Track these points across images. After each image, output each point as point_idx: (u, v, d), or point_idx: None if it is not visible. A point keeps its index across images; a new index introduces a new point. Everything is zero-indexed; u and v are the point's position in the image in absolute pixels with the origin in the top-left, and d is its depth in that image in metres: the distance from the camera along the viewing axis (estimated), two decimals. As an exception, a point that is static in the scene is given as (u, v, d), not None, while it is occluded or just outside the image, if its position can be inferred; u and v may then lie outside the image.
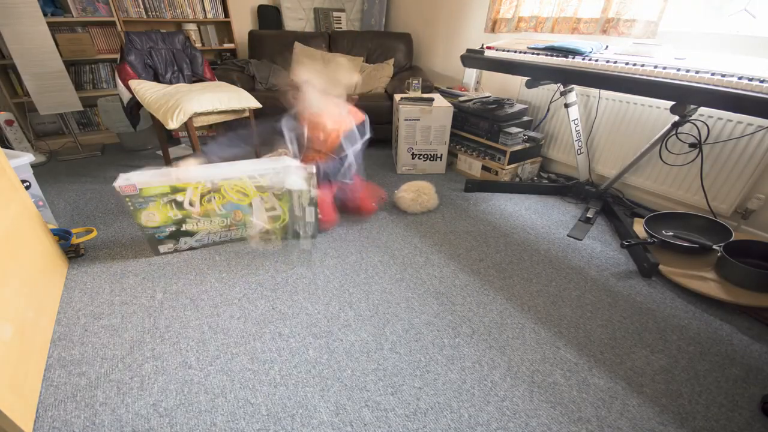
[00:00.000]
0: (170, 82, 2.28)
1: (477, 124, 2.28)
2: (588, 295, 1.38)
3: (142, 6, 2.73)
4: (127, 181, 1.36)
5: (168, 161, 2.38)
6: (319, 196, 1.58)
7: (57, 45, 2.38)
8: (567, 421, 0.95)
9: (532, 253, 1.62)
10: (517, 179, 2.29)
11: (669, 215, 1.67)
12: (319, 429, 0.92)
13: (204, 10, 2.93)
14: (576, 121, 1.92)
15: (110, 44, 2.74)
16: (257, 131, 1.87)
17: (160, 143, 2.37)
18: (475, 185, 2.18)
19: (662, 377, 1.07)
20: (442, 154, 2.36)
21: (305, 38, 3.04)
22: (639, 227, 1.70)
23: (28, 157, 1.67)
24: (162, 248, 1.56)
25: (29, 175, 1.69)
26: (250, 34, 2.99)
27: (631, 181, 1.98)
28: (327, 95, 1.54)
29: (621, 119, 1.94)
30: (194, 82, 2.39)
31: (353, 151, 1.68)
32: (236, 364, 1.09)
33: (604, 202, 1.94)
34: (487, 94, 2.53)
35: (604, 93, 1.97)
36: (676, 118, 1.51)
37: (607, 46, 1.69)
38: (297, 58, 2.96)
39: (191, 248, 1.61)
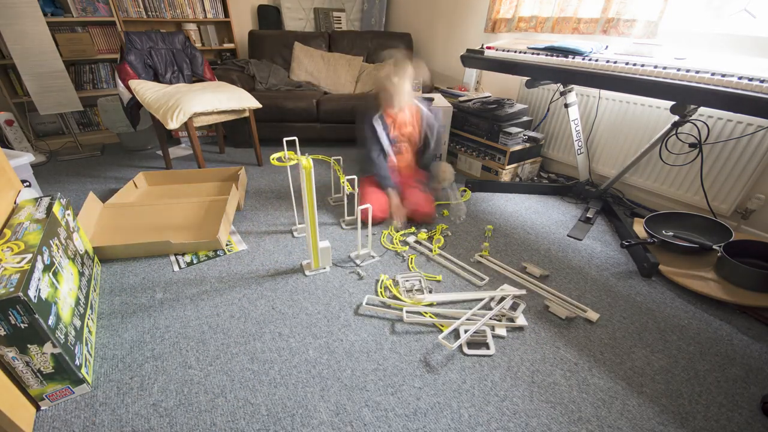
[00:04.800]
0: (170, 82, 2.29)
1: (477, 124, 2.28)
2: (588, 295, 1.38)
3: (142, 6, 2.73)
4: None
5: (168, 161, 2.38)
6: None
7: (57, 45, 2.38)
8: (567, 421, 0.95)
9: (532, 253, 1.62)
10: (517, 179, 2.29)
11: (669, 215, 1.67)
12: (319, 429, 0.92)
13: (204, 10, 2.93)
14: (576, 121, 1.92)
15: (110, 44, 2.74)
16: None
17: (160, 143, 2.37)
18: (475, 185, 2.18)
19: (662, 377, 1.07)
20: (441, 154, 2.36)
21: (305, 38, 3.04)
22: (639, 227, 1.70)
23: (28, 157, 1.67)
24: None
25: (29, 174, 1.70)
26: (250, 34, 2.99)
27: (631, 181, 1.98)
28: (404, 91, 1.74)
29: (621, 119, 1.94)
30: (194, 82, 2.40)
31: (436, 132, 1.87)
32: (236, 364, 1.09)
33: (604, 202, 1.94)
34: (487, 94, 2.53)
35: (604, 93, 1.97)
36: (676, 118, 1.51)
37: (607, 46, 1.69)
38: (297, 57, 2.97)
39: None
